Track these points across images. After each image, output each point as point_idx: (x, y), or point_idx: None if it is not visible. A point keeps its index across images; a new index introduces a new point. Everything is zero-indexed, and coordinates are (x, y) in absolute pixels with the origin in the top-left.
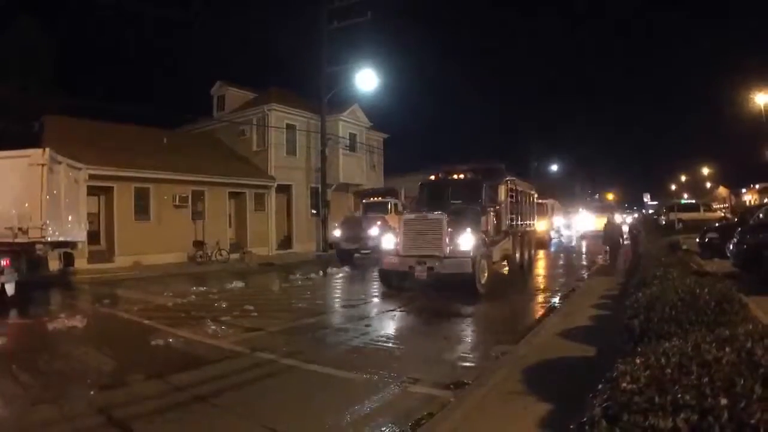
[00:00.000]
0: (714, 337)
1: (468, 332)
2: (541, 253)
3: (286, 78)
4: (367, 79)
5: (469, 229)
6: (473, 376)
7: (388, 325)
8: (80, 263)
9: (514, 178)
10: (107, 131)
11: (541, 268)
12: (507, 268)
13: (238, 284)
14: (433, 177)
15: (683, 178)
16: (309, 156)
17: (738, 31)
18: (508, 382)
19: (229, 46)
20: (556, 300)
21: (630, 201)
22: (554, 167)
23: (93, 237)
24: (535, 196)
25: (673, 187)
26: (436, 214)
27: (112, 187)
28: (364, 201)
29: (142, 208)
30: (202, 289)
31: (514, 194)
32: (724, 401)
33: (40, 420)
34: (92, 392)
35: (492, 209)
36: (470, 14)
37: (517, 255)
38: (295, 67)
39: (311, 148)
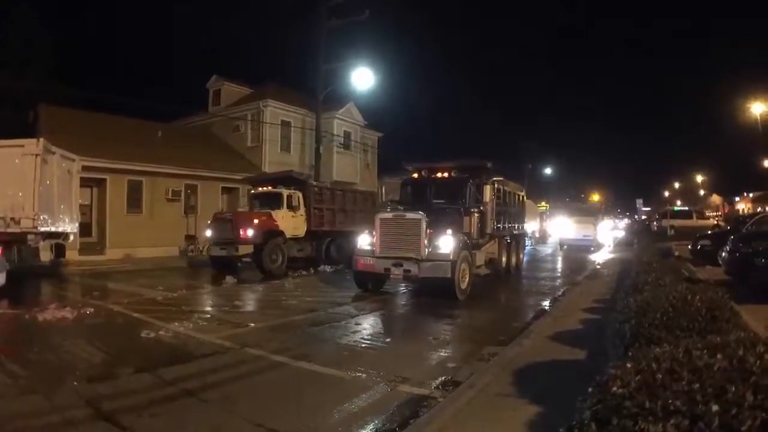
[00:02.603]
0: (705, 343)
1: (457, 334)
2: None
3: (282, 74)
4: (363, 78)
5: (449, 231)
6: (462, 376)
7: (377, 324)
8: (71, 255)
9: (501, 178)
10: (102, 123)
11: (529, 272)
12: (492, 273)
13: (230, 279)
14: (415, 175)
15: (677, 185)
16: (303, 153)
17: (735, 41)
18: (497, 383)
19: (227, 41)
20: (545, 303)
21: (622, 206)
22: (548, 170)
23: (85, 229)
24: (524, 196)
25: (667, 194)
26: (414, 213)
27: (105, 179)
28: (252, 192)
29: (134, 201)
30: (192, 283)
31: (501, 195)
32: (715, 408)
33: (28, 410)
34: (81, 384)
35: (476, 210)
36: (467, 15)
37: (504, 259)
38: (292, 64)
39: (306, 145)
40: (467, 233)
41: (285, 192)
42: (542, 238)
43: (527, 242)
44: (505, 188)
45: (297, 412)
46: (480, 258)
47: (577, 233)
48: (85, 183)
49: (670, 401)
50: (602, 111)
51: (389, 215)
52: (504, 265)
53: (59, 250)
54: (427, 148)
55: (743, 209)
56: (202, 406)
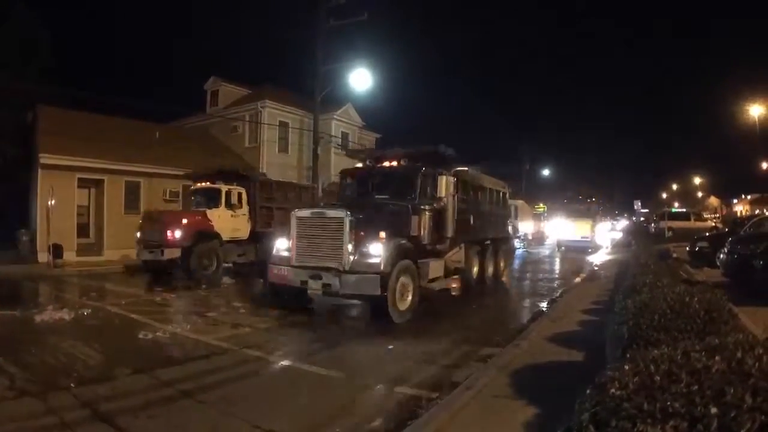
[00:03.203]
0: (703, 345)
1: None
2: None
3: (280, 75)
4: (361, 79)
5: (383, 234)
6: (460, 378)
7: (378, 322)
8: (69, 256)
9: (467, 169)
10: (100, 124)
11: (516, 281)
12: (463, 286)
13: (228, 280)
14: (359, 165)
15: (675, 187)
16: (301, 154)
17: (733, 43)
18: (495, 385)
19: (226, 42)
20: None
21: (620, 208)
22: (546, 171)
23: (82, 230)
24: (506, 194)
25: (665, 196)
26: (336, 211)
27: (103, 180)
28: (192, 187)
29: (132, 202)
30: (190, 284)
31: (469, 190)
32: (714, 410)
33: (26, 413)
34: (78, 386)
35: (428, 208)
36: (466, 15)
37: (475, 269)
38: (291, 65)
39: (304, 145)
40: (415, 237)
41: (223, 188)
42: (540, 240)
43: (518, 245)
44: (477, 183)
45: (295, 413)
46: (436, 268)
47: (574, 235)
48: (83, 184)
49: (668, 403)
50: (601, 112)
51: (306, 213)
52: (475, 275)
53: (57, 252)
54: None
55: (741, 211)
56: (199, 408)
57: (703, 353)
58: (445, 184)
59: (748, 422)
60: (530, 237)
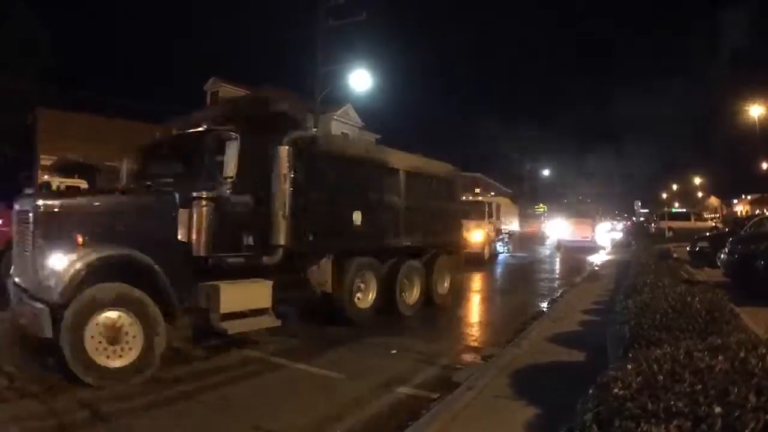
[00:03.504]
0: (706, 345)
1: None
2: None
3: (280, 74)
4: (360, 80)
5: (82, 238)
6: (461, 378)
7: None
8: None
9: (313, 134)
10: (99, 125)
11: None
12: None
13: None
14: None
15: (675, 187)
16: None
17: (732, 43)
18: (495, 385)
19: (225, 43)
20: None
21: (620, 208)
22: (546, 172)
23: None
24: (452, 182)
25: (665, 196)
26: (24, 200)
27: None
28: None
29: None
30: None
31: (343, 168)
32: (718, 409)
33: (26, 414)
34: (78, 387)
35: (210, 196)
36: (466, 15)
37: (370, 296)
38: (290, 65)
39: None
40: (183, 244)
41: (54, 182)
42: (540, 240)
43: (501, 249)
44: (370, 159)
45: (295, 414)
46: (245, 296)
47: (574, 235)
48: None
49: (672, 403)
50: (601, 111)
51: (18, 202)
52: (368, 305)
53: None
54: (426, 150)
55: (741, 211)
56: (199, 409)
57: (706, 353)
58: (233, 156)
59: (752, 422)
60: (517, 238)
